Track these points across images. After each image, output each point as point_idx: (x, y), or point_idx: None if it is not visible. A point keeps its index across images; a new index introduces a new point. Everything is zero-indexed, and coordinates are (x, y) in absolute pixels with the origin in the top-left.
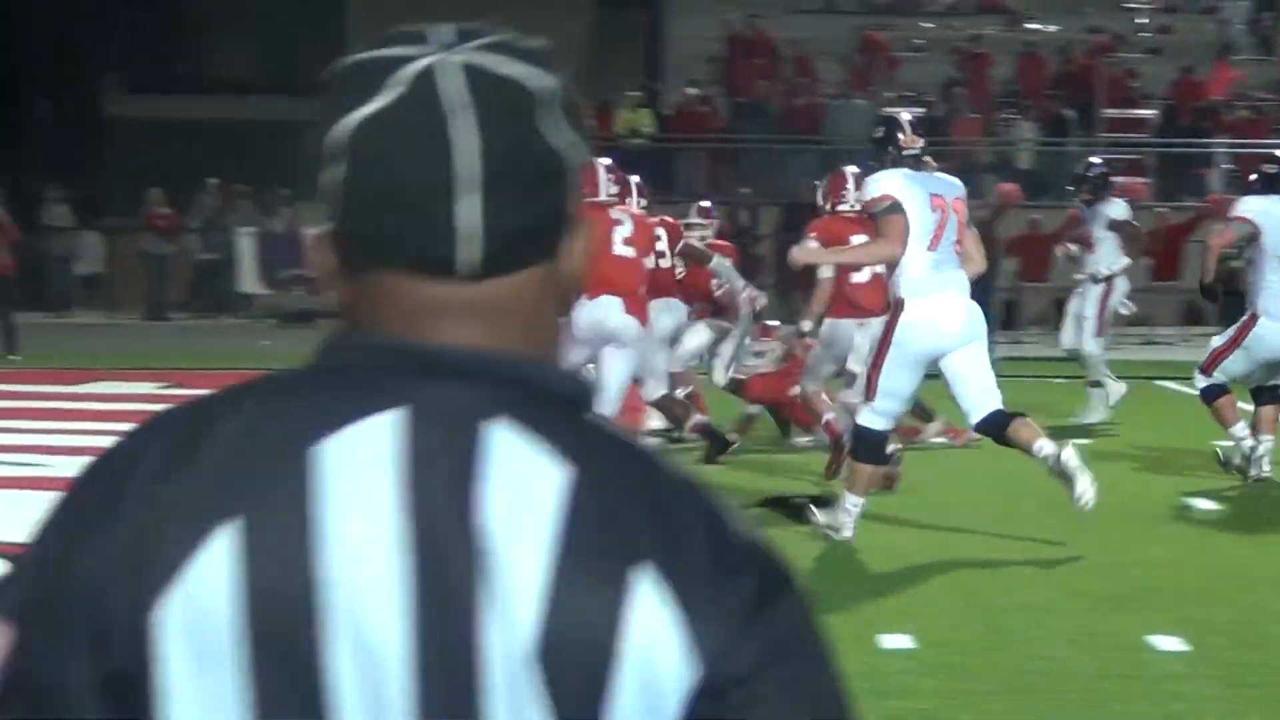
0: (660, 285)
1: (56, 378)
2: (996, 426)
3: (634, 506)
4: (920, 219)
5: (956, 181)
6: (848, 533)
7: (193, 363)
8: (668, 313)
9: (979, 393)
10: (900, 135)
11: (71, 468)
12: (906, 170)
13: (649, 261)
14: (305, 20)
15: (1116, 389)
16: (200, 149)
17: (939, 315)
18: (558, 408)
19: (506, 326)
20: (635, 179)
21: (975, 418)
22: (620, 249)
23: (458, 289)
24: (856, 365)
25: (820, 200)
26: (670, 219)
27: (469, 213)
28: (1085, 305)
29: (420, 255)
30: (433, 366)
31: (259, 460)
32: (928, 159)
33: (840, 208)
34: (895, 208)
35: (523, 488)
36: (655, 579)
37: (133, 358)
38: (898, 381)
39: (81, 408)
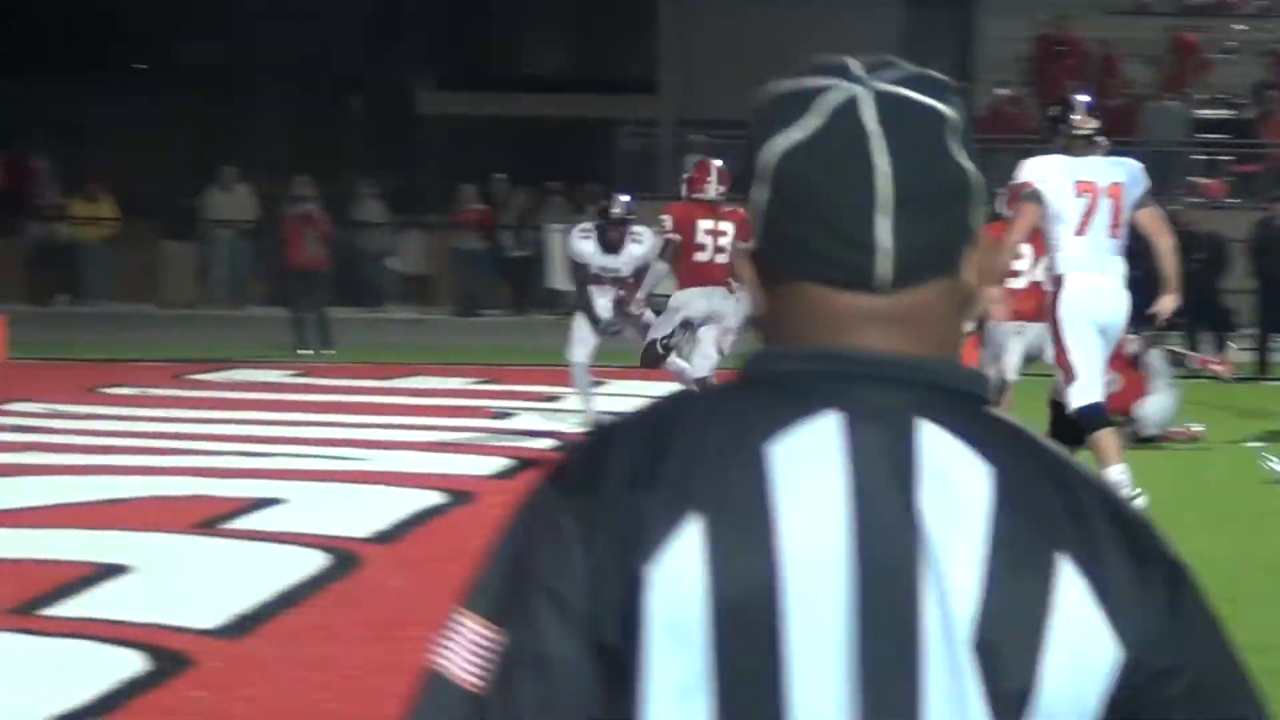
0: (708, 275)
1: (372, 372)
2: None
3: (1050, 500)
4: (1065, 204)
5: (1125, 164)
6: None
7: (507, 359)
8: (706, 300)
9: None
10: (1074, 115)
11: (389, 462)
12: (1059, 157)
13: None
14: (618, 19)
15: None
16: (513, 145)
17: (1097, 289)
18: (969, 406)
19: (917, 333)
20: None
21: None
22: None
23: (873, 300)
24: (1010, 374)
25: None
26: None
27: (885, 232)
28: None
29: (840, 271)
30: (861, 371)
31: (719, 461)
32: (1100, 140)
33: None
34: (1031, 195)
35: (954, 481)
36: (1076, 569)
37: (446, 353)
38: (1088, 350)
39: (397, 402)
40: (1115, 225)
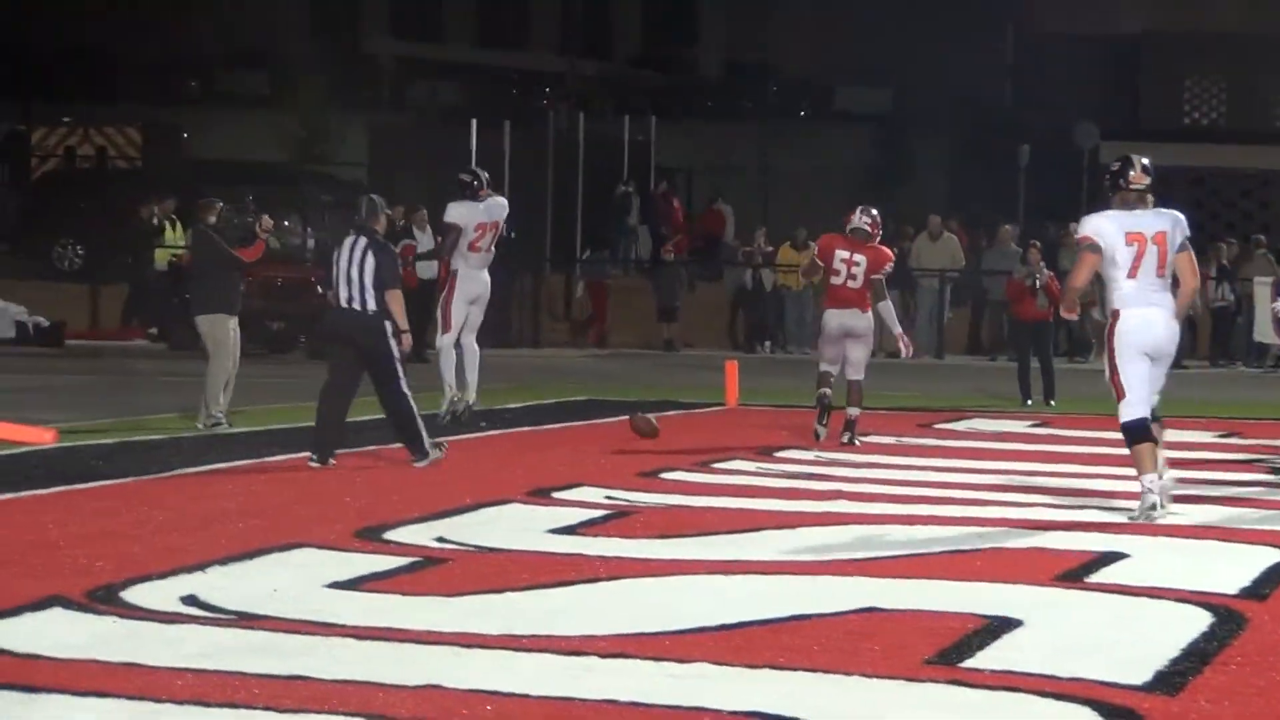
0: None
1: (1113, 424)
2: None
3: None
4: (1117, 253)
5: (1169, 216)
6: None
7: (1244, 412)
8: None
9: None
10: (1131, 172)
11: (1199, 515)
12: (1111, 211)
13: None
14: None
15: None
16: (1188, 196)
17: (1146, 321)
18: None
19: None
20: None
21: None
22: None
23: None
24: None
25: None
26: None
27: None
28: None
29: None
30: None
31: None
32: (1149, 196)
33: None
34: (1091, 247)
35: None
36: None
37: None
38: (1135, 373)
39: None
40: (1161, 267)
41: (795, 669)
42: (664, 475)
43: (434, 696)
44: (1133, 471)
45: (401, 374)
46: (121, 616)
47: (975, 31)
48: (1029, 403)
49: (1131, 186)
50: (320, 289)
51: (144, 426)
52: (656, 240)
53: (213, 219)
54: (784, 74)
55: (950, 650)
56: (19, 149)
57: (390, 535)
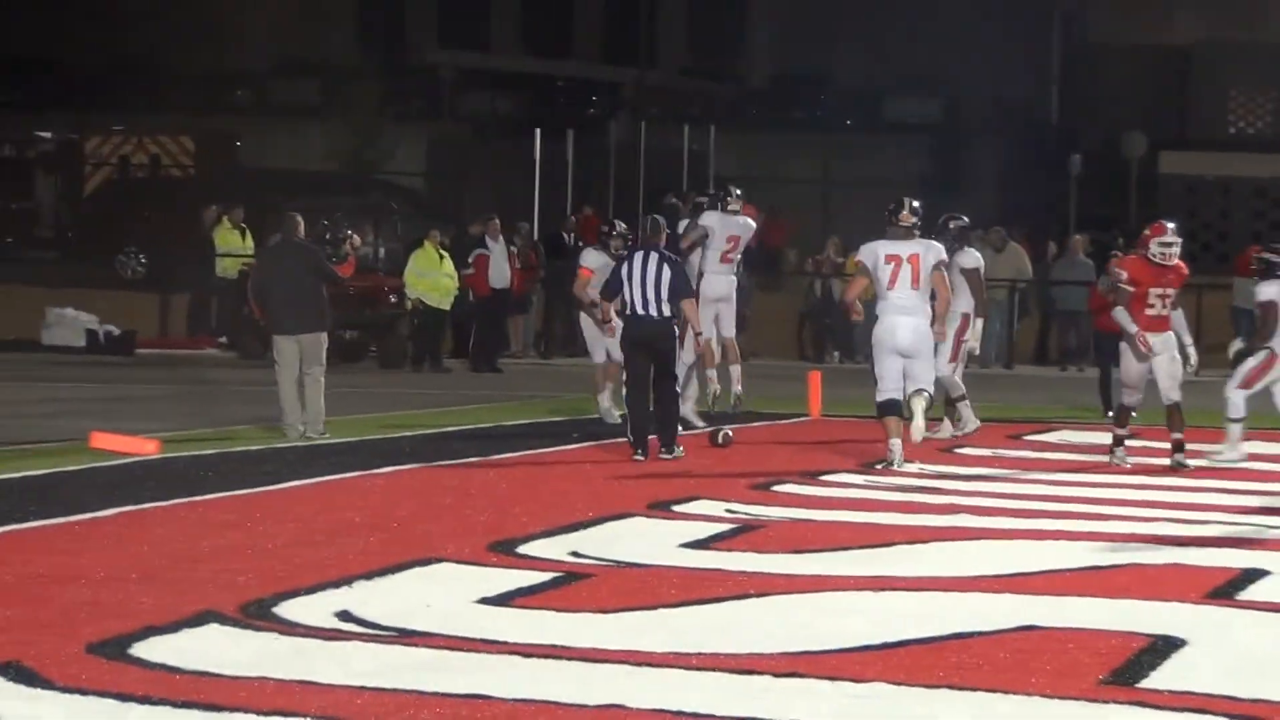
0: None
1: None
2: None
3: None
4: (878, 271)
5: (928, 244)
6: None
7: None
8: None
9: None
10: (902, 213)
11: None
12: (880, 240)
13: None
14: None
15: None
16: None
17: (894, 326)
18: None
19: None
20: None
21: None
22: None
23: None
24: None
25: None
26: None
27: None
28: None
29: None
30: None
31: None
32: (915, 230)
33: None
34: (860, 269)
35: None
36: None
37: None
38: (883, 364)
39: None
40: (915, 282)
41: (974, 689)
42: (776, 488)
43: (619, 716)
44: (1251, 485)
45: (679, 373)
46: (281, 633)
47: (1023, 41)
48: (1110, 414)
49: (901, 224)
50: (399, 300)
51: (238, 436)
52: None
53: (301, 233)
54: (835, 84)
55: (1123, 670)
56: (71, 159)
57: (524, 550)
